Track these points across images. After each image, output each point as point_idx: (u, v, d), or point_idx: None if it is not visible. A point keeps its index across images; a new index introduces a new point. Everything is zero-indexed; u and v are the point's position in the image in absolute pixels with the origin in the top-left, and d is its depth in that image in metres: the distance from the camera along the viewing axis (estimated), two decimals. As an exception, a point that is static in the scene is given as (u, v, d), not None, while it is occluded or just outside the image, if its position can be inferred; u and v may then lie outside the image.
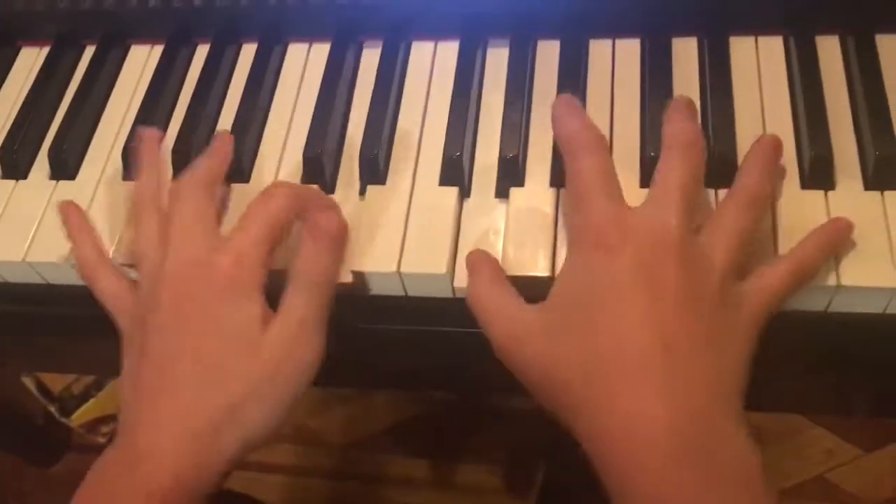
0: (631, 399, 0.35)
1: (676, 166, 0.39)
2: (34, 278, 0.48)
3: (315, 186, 0.47)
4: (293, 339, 0.41)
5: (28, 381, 1.18)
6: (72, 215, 0.47)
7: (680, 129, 0.40)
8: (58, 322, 0.52)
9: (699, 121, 0.43)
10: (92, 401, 1.20)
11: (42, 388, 1.18)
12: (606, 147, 0.41)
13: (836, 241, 0.41)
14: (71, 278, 0.47)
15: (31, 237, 0.48)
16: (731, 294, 0.38)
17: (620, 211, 0.38)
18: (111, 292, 0.44)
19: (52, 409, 1.19)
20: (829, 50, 0.48)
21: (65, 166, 0.50)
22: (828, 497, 1.12)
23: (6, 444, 1.26)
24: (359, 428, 1.25)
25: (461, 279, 0.43)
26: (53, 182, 0.50)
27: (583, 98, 0.48)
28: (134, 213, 0.44)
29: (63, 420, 1.20)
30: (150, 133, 0.47)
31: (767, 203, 0.42)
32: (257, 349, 0.40)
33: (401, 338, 0.48)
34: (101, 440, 1.23)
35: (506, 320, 0.40)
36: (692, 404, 0.35)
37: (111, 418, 1.23)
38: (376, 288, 0.45)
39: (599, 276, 0.37)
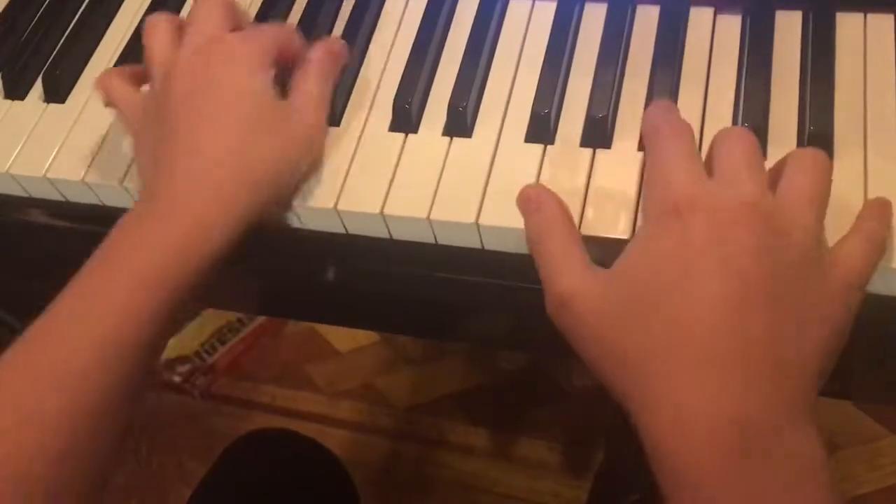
0: (690, 391, 0.33)
1: (738, 140, 0.38)
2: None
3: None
4: (315, 112, 0.45)
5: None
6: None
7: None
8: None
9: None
10: (170, 341, 1.24)
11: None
12: (692, 134, 0.39)
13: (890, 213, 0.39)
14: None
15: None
16: (819, 262, 0.36)
17: (698, 184, 0.37)
18: (123, 96, 0.46)
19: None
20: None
21: (56, 91, 0.53)
22: (898, 509, 1.09)
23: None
24: (423, 391, 1.26)
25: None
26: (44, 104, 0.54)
27: (678, 67, 0.47)
28: (147, 30, 0.47)
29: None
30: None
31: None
32: (280, 110, 0.44)
33: (477, 290, 0.48)
34: (177, 379, 1.28)
35: (568, 273, 0.38)
36: (760, 403, 0.33)
37: (187, 359, 1.28)
38: (454, 239, 0.45)
39: (670, 247, 0.35)
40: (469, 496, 1.17)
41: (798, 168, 0.38)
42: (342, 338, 1.33)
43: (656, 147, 0.39)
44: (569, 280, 0.38)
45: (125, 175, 0.49)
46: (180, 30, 0.46)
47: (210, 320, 1.30)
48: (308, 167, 0.45)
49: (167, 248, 0.40)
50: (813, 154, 0.38)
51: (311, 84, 0.46)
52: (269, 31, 0.46)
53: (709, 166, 0.38)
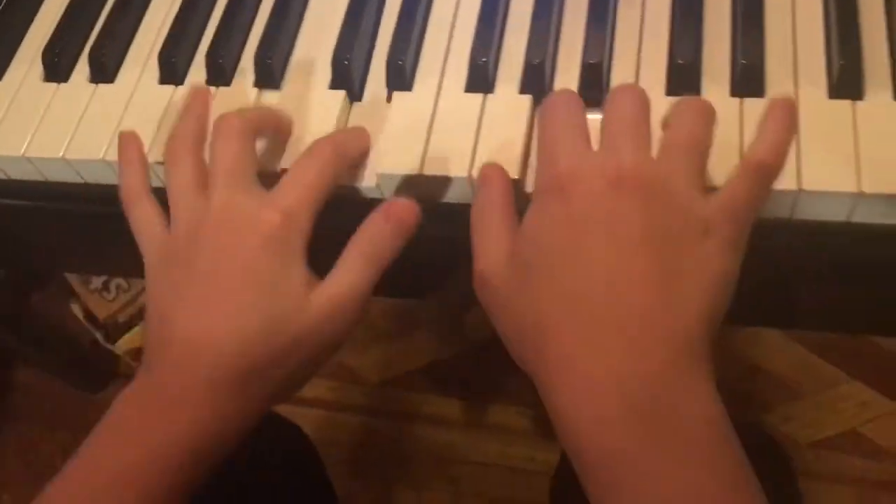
0: (583, 358, 0.34)
1: (622, 105, 0.38)
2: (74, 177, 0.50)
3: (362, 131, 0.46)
4: (340, 304, 0.41)
5: (75, 308, 1.22)
6: (130, 144, 0.46)
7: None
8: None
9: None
10: (136, 329, 1.23)
11: (89, 315, 1.22)
12: (580, 108, 0.40)
13: (790, 126, 0.38)
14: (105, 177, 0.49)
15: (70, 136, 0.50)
16: (695, 220, 0.36)
17: (581, 156, 0.38)
18: (146, 220, 0.43)
19: (98, 335, 1.23)
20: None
21: (104, 70, 0.51)
22: (858, 450, 1.11)
23: (55, 370, 1.31)
24: (394, 367, 1.27)
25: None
26: (93, 85, 0.52)
27: (613, 12, 0.48)
28: (169, 151, 0.44)
29: (109, 347, 1.24)
30: (201, 90, 0.47)
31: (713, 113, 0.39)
32: (300, 306, 0.40)
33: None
34: (145, 369, 1.27)
35: (492, 253, 0.39)
36: (650, 361, 0.34)
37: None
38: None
39: (556, 221, 0.37)
40: (444, 467, 1.18)
41: (677, 120, 0.38)
42: (310, 318, 1.33)
43: (544, 124, 0.40)
44: (489, 260, 0.39)
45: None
46: (201, 153, 0.43)
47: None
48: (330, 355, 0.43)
49: (172, 448, 0.39)
50: (690, 103, 0.39)
51: (351, 272, 0.41)
52: (312, 180, 0.41)
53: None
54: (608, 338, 0.34)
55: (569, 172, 0.37)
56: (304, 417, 1.21)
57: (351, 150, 0.44)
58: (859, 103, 0.42)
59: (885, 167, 0.40)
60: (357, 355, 1.29)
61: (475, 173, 0.44)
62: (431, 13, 0.50)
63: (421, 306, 1.29)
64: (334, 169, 0.42)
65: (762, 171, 0.37)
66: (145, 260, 0.43)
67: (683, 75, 0.44)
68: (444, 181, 0.44)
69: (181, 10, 0.53)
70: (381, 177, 0.45)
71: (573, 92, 0.41)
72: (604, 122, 0.38)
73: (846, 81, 0.42)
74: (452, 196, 0.45)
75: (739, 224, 0.36)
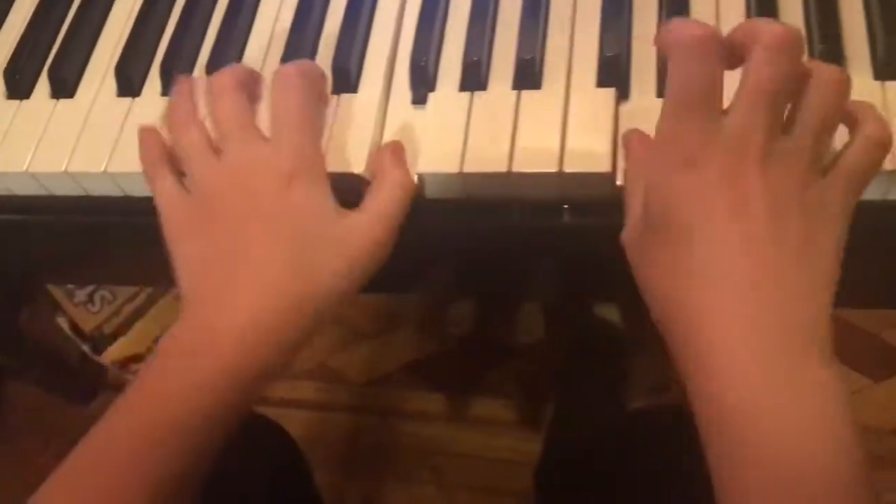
0: (712, 336, 0.36)
1: (760, 67, 0.36)
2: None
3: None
4: (376, 227, 0.43)
5: (62, 322, 1.24)
6: (145, 128, 0.48)
7: (768, 30, 0.36)
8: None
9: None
10: (122, 340, 1.26)
11: (75, 328, 1.24)
12: (718, 48, 0.36)
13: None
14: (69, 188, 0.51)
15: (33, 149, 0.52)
16: (816, 192, 0.37)
17: (713, 131, 0.36)
18: (167, 189, 0.45)
19: (86, 348, 1.25)
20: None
21: (64, 85, 0.54)
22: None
23: (45, 383, 1.33)
24: (377, 365, 1.29)
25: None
26: (54, 101, 0.54)
27: (545, 12, 0.50)
28: (173, 122, 0.46)
29: (96, 359, 1.26)
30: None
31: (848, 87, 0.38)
32: (341, 233, 0.43)
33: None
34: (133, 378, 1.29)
35: (630, 217, 0.41)
36: (775, 340, 0.35)
37: (142, 357, 1.29)
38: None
39: (686, 192, 0.37)
40: (430, 460, 1.20)
41: (811, 94, 0.37)
42: (294, 322, 1.36)
43: (676, 70, 0.37)
44: (628, 225, 0.42)
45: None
46: (200, 119, 0.45)
47: (160, 315, 1.31)
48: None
49: (223, 386, 0.41)
50: (823, 76, 0.37)
51: (385, 202, 0.44)
52: (295, 108, 0.44)
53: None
54: (738, 315, 0.35)
55: (701, 146, 0.36)
56: (292, 418, 1.24)
57: (312, 73, 0.46)
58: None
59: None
60: (341, 356, 1.31)
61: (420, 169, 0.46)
62: (375, 20, 0.52)
63: (401, 305, 1.31)
64: (312, 93, 0.45)
65: (880, 143, 0.38)
66: (168, 231, 0.45)
67: (611, 67, 0.46)
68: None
69: (135, 25, 0.55)
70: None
71: (711, 31, 0.36)
72: (741, 87, 0.36)
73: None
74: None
75: (856, 195, 0.38)
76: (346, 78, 0.49)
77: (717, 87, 0.36)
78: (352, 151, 0.47)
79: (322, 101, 0.48)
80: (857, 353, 1.17)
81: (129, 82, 0.53)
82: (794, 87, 0.37)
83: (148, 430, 0.40)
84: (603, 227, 0.44)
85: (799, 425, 0.34)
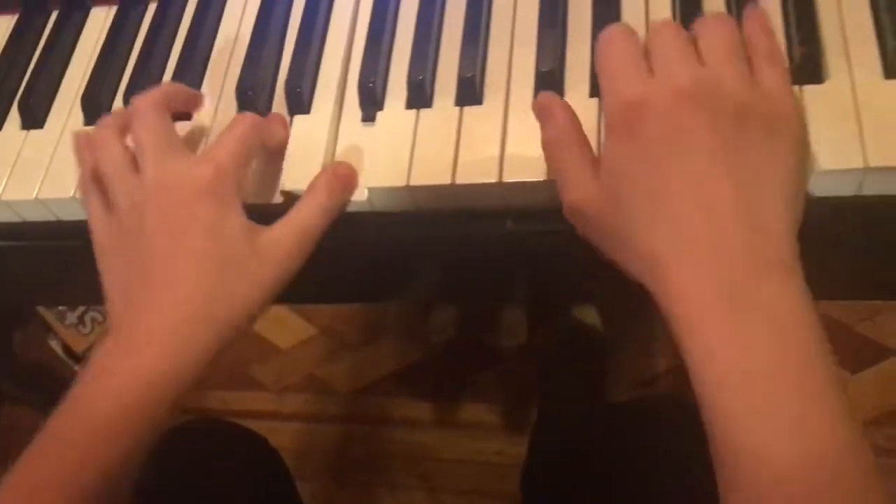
0: (683, 269, 0.38)
1: (664, 32, 0.41)
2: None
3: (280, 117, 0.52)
4: (293, 243, 0.46)
5: (54, 344, 1.27)
6: (78, 141, 0.50)
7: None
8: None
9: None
10: (113, 359, 1.28)
11: (67, 349, 1.27)
12: (631, 37, 0.42)
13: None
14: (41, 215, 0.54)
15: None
16: (759, 116, 0.39)
17: (639, 85, 0.40)
18: (93, 207, 0.48)
19: (78, 369, 1.28)
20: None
21: (34, 117, 0.56)
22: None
23: (40, 406, 1.35)
24: (364, 375, 1.31)
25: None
26: (24, 132, 0.57)
27: (486, 29, 0.52)
28: (95, 140, 0.48)
29: (88, 379, 1.28)
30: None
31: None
32: (250, 250, 0.45)
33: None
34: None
35: (578, 184, 0.42)
36: (740, 265, 0.37)
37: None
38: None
39: (632, 152, 0.39)
40: (418, 466, 1.22)
41: (707, 33, 0.42)
42: (282, 335, 1.38)
43: (601, 59, 0.42)
44: (579, 190, 0.42)
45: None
46: (126, 133, 0.47)
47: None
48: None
49: (140, 385, 0.43)
50: (712, 18, 0.43)
51: (303, 216, 0.46)
52: (235, 138, 0.46)
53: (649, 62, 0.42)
54: (705, 248, 0.37)
55: (633, 101, 0.40)
56: (282, 431, 1.27)
57: (266, 126, 0.49)
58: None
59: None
60: (328, 366, 1.33)
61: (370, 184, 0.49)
62: (326, 44, 0.55)
63: (384, 314, 1.33)
64: (255, 133, 0.47)
65: (776, 55, 0.42)
66: (95, 246, 0.47)
67: (547, 81, 0.49)
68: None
69: (100, 57, 0.58)
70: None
71: (626, 25, 0.43)
72: (651, 55, 0.41)
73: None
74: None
75: (788, 86, 0.41)
76: (299, 100, 0.52)
77: (636, 55, 0.41)
78: (304, 170, 0.50)
79: (272, 131, 0.50)
80: (832, 345, 1.19)
81: (94, 112, 0.55)
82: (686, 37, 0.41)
83: (69, 435, 0.42)
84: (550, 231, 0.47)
85: (761, 340, 0.36)
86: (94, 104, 0.56)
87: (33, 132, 0.57)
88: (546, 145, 0.44)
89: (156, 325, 0.43)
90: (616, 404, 1.12)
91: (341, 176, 0.48)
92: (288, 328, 1.38)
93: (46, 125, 0.57)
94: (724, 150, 0.38)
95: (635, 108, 0.40)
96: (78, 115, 0.56)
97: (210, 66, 0.56)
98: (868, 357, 1.18)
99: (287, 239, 0.46)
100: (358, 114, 0.52)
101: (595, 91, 0.48)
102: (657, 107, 0.39)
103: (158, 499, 0.73)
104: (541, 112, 0.45)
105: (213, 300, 0.44)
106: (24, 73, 0.59)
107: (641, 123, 0.39)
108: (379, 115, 0.51)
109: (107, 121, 0.48)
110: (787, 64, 0.42)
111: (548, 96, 0.45)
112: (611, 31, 0.43)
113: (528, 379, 1.23)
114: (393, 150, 0.49)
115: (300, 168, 0.50)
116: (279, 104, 0.53)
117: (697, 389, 0.37)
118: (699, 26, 0.42)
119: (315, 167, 0.50)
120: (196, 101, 0.53)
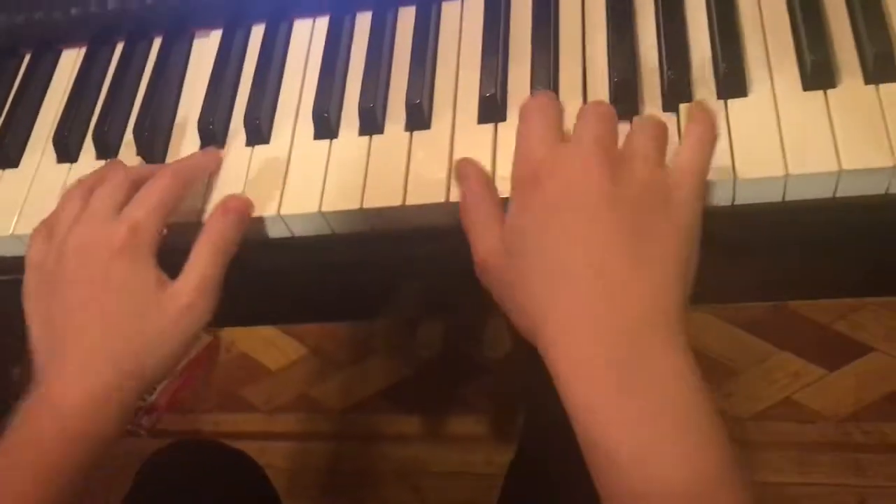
0: (573, 330, 0.39)
1: (596, 110, 0.43)
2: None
3: (212, 154, 0.55)
4: (194, 296, 0.47)
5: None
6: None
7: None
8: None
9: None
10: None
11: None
12: (552, 109, 0.45)
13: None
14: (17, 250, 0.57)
15: None
16: (657, 188, 0.41)
17: (550, 149, 0.42)
18: (31, 257, 0.50)
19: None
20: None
21: (8, 157, 0.59)
22: (794, 416, 1.17)
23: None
24: (354, 392, 1.34)
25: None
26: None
27: (433, 60, 0.55)
28: (66, 193, 0.51)
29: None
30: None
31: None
32: (156, 304, 0.47)
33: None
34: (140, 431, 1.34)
35: (484, 240, 0.44)
36: (625, 318, 0.38)
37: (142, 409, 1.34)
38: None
39: (533, 208, 0.41)
40: (410, 480, 1.24)
41: (640, 128, 0.44)
42: (273, 357, 1.41)
43: (520, 124, 0.45)
44: (485, 249, 0.44)
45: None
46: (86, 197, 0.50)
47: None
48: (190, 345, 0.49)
49: (62, 439, 0.45)
50: (650, 118, 0.45)
51: (201, 264, 0.48)
52: (155, 195, 0.48)
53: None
54: (592, 305, 0.39)
55: (538, 163, 0.42)
56: (275, 450, 1.29)
57: (190, 172, 0.51)
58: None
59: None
60: (319, 386, 1.36)
61: (324, 208, 0.51)
62: (284, 77, 0.58)
63: (372, 333, 1.36)
64: (174, 187, 0.49)
65: (707, 137, 0.44)
66: (24, 288, 0.50)
67: (489, 106, 0.52)
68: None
69: (69, 99, 0.61)
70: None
71: (549, 94, 0.46)
72: (575, 126, 0.43)
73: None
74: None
75: (699, 178, 0.42)
76: (258, 131, 0.55)
77: (554, 125, 0.44)
78: (265, 197, 0.52)
79: (198, 174, 0.53)
80: (810, 344, 1.21)
81: (66, 150, 0.58)
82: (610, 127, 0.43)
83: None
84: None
85: (639, 416, 0.37)
86: (66, 143, 0.58)
87: (8, 171, 0.60)
88: (461, 207, 0.46)
89: (71, 381, 0.46)
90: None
91: (233, 210, 0.50)
92: (278, 349, 1.41)
93: (21, 164, 0.60)
94: (618, 221, 0.40)
95: (539, 168, 0.42)
96: (51, 154, 0.59)
97: (182, 99, 0.59)
98: (846, 354, 1.20)
99: (187, 290, 0.47)
100: (314, 143, 0.55)
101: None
102: (559, 170, 0.41)
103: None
104: (458, 177, 0.48)
105: (121, 355, 0.46)
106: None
107: (541, 185, 0.41)
108: (334, 142, 0.54)
109: (86, 181, 0.51)
110: (701, 173, 0.43)
111: (464, 163, 0.48)
112: (532, 101, 0.45)
113: (511, 388, 1.25)
114: (347, 175, 0.52)
115: (260, 196, 0.53)
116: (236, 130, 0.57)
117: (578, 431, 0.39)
118: (636, 124, 0.44)
119: (275, 193, 0.53)
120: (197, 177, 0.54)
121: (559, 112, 0.45)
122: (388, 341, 1.35)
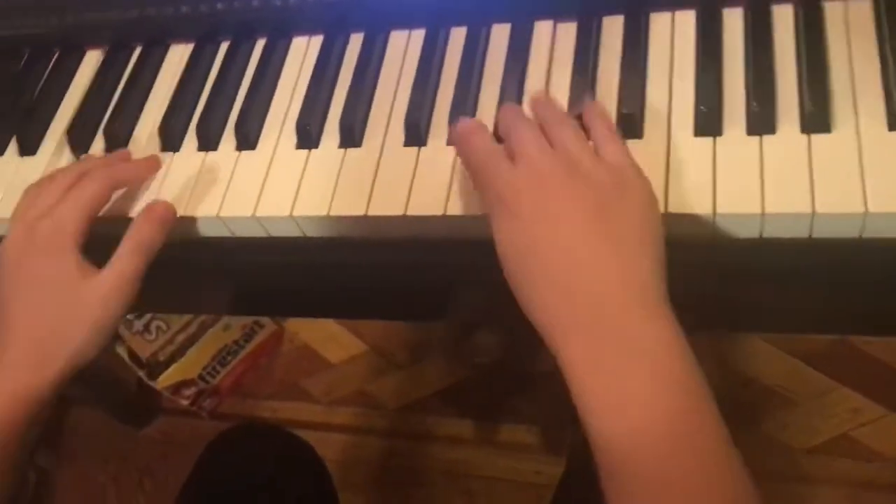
0: (573, 331, 0.42)
1: (514, 122, 0.48)
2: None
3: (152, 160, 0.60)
4: (112, 288, 0.52)
5: (121, 350, 1.34)
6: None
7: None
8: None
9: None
10: (174, 366, 1.35)
11: (133, 355, 1.34)
12: (484, 129, 0.49)
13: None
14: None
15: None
16: (610, 179, 0.45)
17: (507, 172, 0.46)
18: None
19: (142, 374, 1.35)
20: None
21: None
22: (850, 453, 1.16)
23: (106, 406, 1.44)
24: (411, 392, 1.36)
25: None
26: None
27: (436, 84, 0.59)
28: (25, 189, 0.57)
29: (150, 383, 1.35)
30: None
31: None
32: (76, 294, 0.52)
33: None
34: (185, 402, 1.39)
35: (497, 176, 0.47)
36: (611, 304, 0.42)
37: (192, 382, 1.39)
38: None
39: (511, 232, 0.45)
40: (459, 482, 1.26)
41: (555, 125, 0.48)
42: (334, 351, 1.44)
43: (465, 153, 0.49)
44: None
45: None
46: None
47: (210, 344, 1.40)
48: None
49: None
50: (556, 114, 0.49)
51: (122, 261, 0.53)
52: (82, 193, 0.54)
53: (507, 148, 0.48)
54: (584, 304, 0.42)
55: (506, 187, 0.45)
56: (330, 442, 1.32)
57: (122, 175, 0.57)
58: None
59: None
60: (376, 382, 1.39)
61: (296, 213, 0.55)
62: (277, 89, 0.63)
63: (430, 336, 1.38)
64: (101, 185, 0.55)
65: (612, 135, 0.48)
66: None
67: (412, 131, 0.56)
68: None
69: (87, 95, 0.68)
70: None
71: (477, 120, 0.51)
72: (506, 137, 0.48)
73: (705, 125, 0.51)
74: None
75: (631, 159, 0.47)
76: (247, 139, 0.59)
77: (494, 146, 0.48)
78: (246, 198, 0.57)
79: (129, 177, 0.58)
80: (873, 381, 1.20)
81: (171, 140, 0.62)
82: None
83: None
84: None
85: (640, 388, 0.40)
86: (77, 138, 0.65)
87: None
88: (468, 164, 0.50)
89: (7, 355, 0.52)
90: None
91: (156, 213, 0.55)
92: (339, 343, 1.44)
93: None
94: (588, 217, 0.44)
95: (509, 192, 0.45)
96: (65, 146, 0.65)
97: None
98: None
99: (105, 284, 0.52)
100: (295, 152, 0.58)
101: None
102: (526, 189, 0.45)
103: (206, 497, 0.79)
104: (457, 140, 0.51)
105: (45, 343, 0.52)
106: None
107: (518, 205, 0.45)
108: (313, 152, 0.58)
109: (47, 175, 0.58)
110: (622, 140, 0.48)
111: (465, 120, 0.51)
112: (463, 127, 0.49)
113: (561, 401, 1.26)
114: (321, 183, 0.56)
115: (242, 197, 0.57)
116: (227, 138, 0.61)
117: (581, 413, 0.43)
118: (545, 121, 0.48)
119: (255, 194, 0.57)
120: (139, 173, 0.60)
121: (488, 132, 0.49)
122: (445, 346, 1.37)
